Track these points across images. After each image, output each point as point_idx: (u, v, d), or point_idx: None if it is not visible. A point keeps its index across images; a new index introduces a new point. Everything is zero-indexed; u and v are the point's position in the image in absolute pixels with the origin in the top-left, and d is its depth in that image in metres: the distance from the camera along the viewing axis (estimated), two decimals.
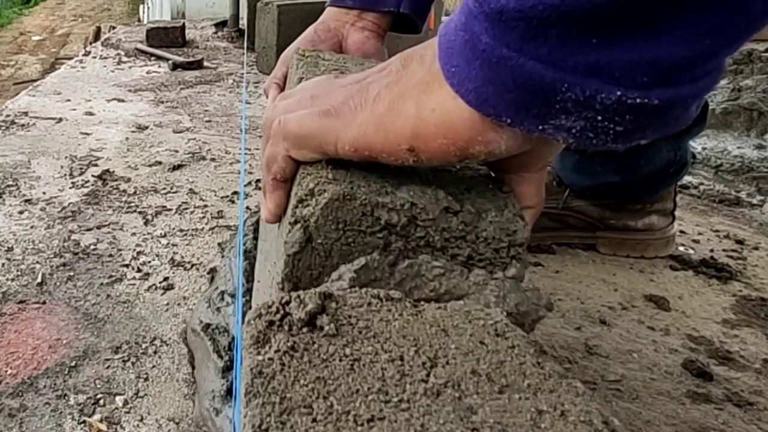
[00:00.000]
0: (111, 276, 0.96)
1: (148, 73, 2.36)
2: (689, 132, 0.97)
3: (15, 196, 1.22)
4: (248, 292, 0.65)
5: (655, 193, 1.02)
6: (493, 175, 0.42)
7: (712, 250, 1.09)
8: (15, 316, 0.85)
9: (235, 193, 1.27)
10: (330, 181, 0.36)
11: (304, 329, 0.28)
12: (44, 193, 1.24)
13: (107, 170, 1.36)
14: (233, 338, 0.61)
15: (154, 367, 0.76)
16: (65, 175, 1.34)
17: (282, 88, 0.68)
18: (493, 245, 0.36)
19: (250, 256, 0.69)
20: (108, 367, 0.76)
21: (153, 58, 2.62)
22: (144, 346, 0.80)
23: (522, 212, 0.38)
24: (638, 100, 0.27)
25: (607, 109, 0.28)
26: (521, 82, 0.28)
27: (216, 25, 3.46)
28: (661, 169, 0.98)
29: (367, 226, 0.35)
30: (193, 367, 0.73)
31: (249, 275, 0.67)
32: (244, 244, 0.71)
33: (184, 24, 3.00)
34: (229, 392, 0.58)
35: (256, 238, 0.70)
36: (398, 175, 0.38)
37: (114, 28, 4.64)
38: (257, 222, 0.71)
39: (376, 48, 0.73)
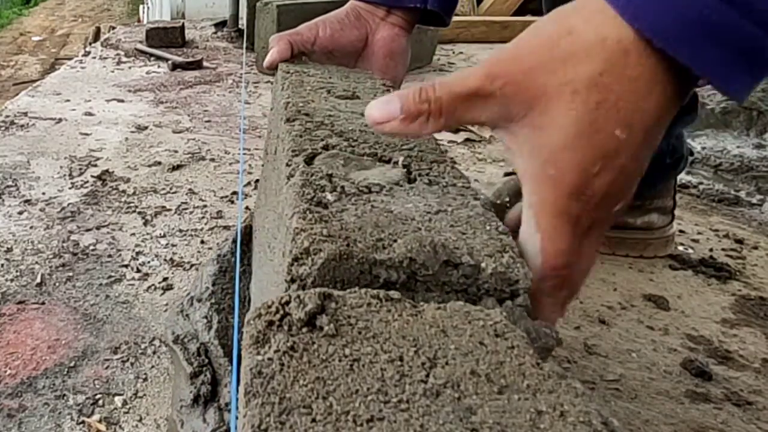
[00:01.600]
0: (110, 276, 0.96)
1: (147, 73, 2.36)
2: (680, 120, 0.94)
3: (14, 197, 1.22)
4: (213, 295, 0.64)
5: (654, 188, 1.01)
6: (490, 211, 0.40)
7: (711, 250, 1.09)
8: (14, 316, 0.85)
9: (235, 193, 1.27)
10: (325, 239, 0.34)
11: (304, 329, 0.28)
12: (44, 193, 1.24)
13: (107, 170, 1.36)
14: (202, 344, 0.61)
15: (153, 367, 0.76)
16: (65, 175, 1.34)
17: (292, 48, 0.68)
18: (495, 296, 0.35)
19: (224, 260, 0.69)
20: (107, 368, 0.76)
21: (153, 59, 2.62)
22: (143, 346, 0.80)
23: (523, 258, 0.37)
24: None
25: None
26: None
27: (215, 25, 3.45)
28: (655, 161, 0.97)
29: (365, 284, 0.34)
30: None
31: (216, 278, 0.67)
32: (220, 249, 0.70)
33: (183, 24, 2.99)
34: (196, 400, 0.58)
35: (234, 241, 0.70)
36: (396, 218, 0.37)
37: (114, 28, 4.63)
38: (246, 228, 0.71)
39: (403, 46, 0.73)
